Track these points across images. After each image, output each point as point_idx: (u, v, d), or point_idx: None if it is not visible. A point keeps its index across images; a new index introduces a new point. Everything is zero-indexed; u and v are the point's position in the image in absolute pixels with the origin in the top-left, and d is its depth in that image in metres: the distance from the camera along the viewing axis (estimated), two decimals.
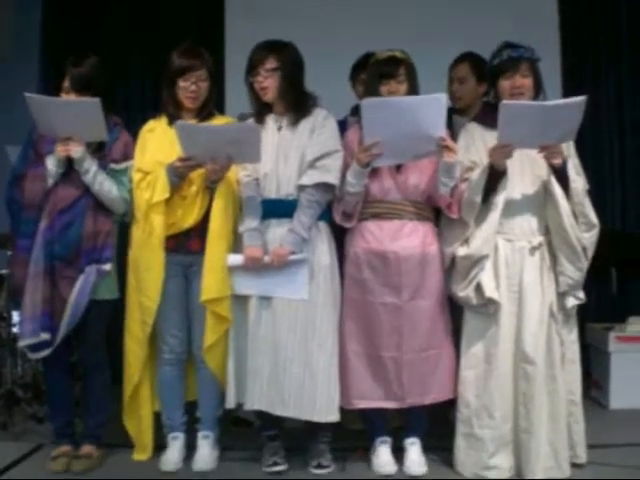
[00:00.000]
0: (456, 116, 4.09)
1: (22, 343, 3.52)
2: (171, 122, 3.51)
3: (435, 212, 3.54)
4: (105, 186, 3.49)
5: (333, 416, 3.41)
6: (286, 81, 3.46)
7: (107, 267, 3.52)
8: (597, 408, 4.55)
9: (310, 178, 3.40)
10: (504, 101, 3.20)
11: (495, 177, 3.30)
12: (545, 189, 3.34)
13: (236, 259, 3.43)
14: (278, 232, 3.43)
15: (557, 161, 3.27)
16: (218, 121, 3.62)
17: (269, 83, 3.46)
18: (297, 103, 3.50)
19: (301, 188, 3.42)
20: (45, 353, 3.47)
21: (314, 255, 3.44)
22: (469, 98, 4.17)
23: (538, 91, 3.39)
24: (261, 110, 3.56)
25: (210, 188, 3.47)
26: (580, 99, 3.13)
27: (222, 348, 3.50)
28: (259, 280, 3.43)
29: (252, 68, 3.48)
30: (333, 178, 3.40)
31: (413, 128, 3.24)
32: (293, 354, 3.39)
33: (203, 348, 3.49)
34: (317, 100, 3.55)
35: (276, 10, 5.36)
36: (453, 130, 3.63)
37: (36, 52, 5.49)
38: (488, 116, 3.38)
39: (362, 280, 3.46)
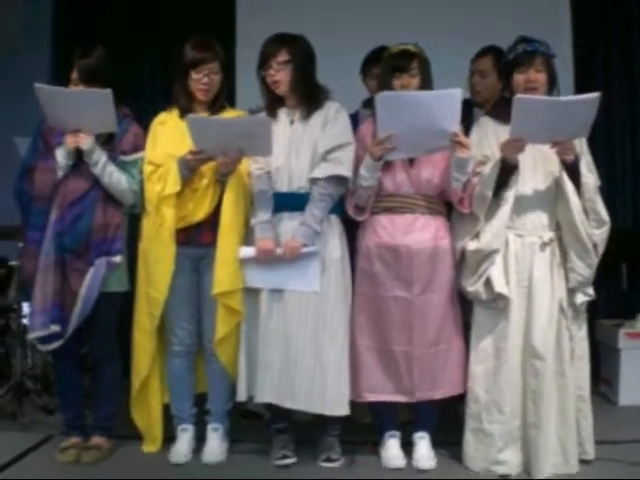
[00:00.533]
0: (477, 109, 4.08)
1: (32, 335, 3.52)
2: (183, 115, 3.51)
3: (447, 206, 3.54)
4: (114, 178, 3.49)
5: (343, 410, 3.41)
6: (298, 74, 3.46)
7: (117, 259, 3.53)
8: (606, 404, 4.54)
9: (322, 171, 3.40)
10: (518, 95, 3.19)
11: (507, 172, 3.29)
12: (557, 185, 3.34)
13: (248, 251, 3.43)
14: (290, 225, 3.44)
15: (569, 157, 3.26)
16: (229, 114, 3.62)
17: (281, 76, 3.46)
18: (309, 96, 3.50)
19: (313, 181, 3.42)
20: (55, 345, 3.49)
21: (325, 248, 3.44)
22: (489, 92, 4.13)
23: (552, 87, 3.38)
24: (273, 103, 3.56)
25: (221, 181, 3.47)
26: (594, 95, 3.12)
27: (233, 341, 3.50)
28: (271, 273, 3.43)
29: (264, 61, 3.48)
30: (345, 170, 3.40)
31: (427, 123, 3.24)
32: (304, 347, 3.39)
33: (214, 341, 3.49)
34: (329, 93, 3.55)
35: (287, 4, 5.35)
36: (471, 122, 3.61)
37: (47, 44, 5.50)
38: (501, 110, 3.38)
39: (373, 274, 3.46)
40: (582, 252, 3.33)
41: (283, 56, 3.46)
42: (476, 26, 5.16)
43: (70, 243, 3.47)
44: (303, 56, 3.50)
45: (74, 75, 3.53)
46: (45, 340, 3.50)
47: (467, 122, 3.52)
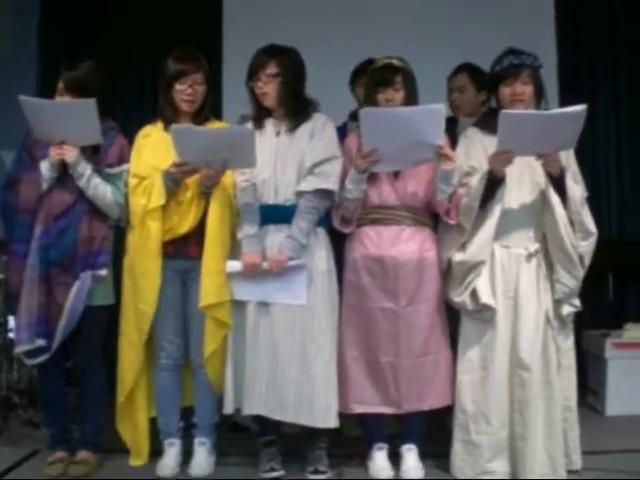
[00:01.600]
0: (465, 118, 4.12)
1: (18, 350, 3.51)
2: (167, 127, 3.49)
3: (434, 218, 3.55)
4: (100, 190, 3.48)
5: (331, 422, 3.40)
6: (286, 87, 3.46)
7: (103, 273, 3.51)
8: (593, 414, 4.56)
9: (309, 184, 3.40)
10: (503, 110, 3.20)
11: (494, 184, 3.30)
12: (542, 197, 3.35)
13: (235, 266, 3.43)
14: (276, 238, 3.43)
15: (554, 170, 3.28)
16: (213, 125, 3.62)
17: (269, 88, 3.46)
18: (297, 109, 3.49)
19: (300, 194, 3.42)
20: (42, 359, 3.47)
21: (312, 261, 3.44)
22: (469, 107, 4.23)
23: (539, 98, 3.40)
24: (260, 114, 3.55)
25: (206, 193, 3.47)
26: (580, 108, 3.13)
27: (220, 354, 3.49)
28: (258, 286, 3.42)
29: (253, 72, 3.48)
30: (332, 184, 3.40)
31: (411, 137, 3.25)
32: (291, 359, 3.38)
33: (204, 356, 3.47)
34: (317, 106, 3.55)
35: (274, 15, 5.38)
36: (456, 134, 3.62)
37: (33, 54, 5.49)
38: (488, 121, 3.39)
39: (361, 285, 3.46)
40: (568, 264, 3.34)
41: (272, 68, 3.45)
42: (462, 37, 5.21)
43: (56, 256, 3.45)
44: (292, 69, 3.49)
45: (60, 85, 3.53)
46: (31, 354, 3.48)
47: (451, 137, 3.54)
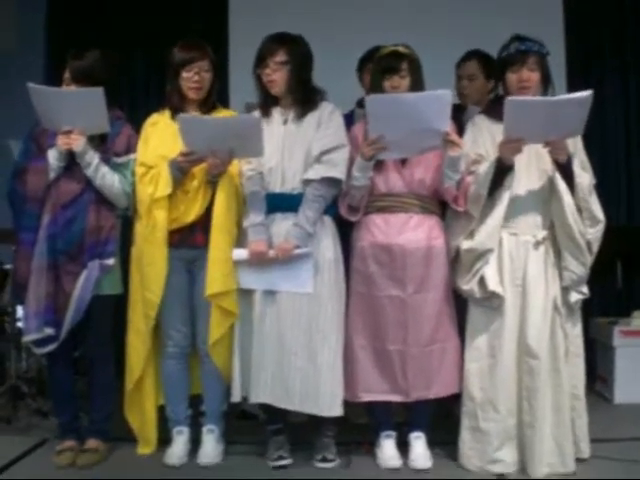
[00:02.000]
0: (472, 107, 4.09)
1: (27, 338, 3.53)
2: (174, 115, 3.50)
3: (442, 205, 3.54)
4: (107, 180, 3.48)
5: (337, 411, 3.41)
6: (294, 75, 3.46)
7: (110, 262, 3.52)
8: (601, 402, 4.55)
9: (316, 172, 3.39)
10: (509, 97, 3.19)
11: (502, 172, 3.29)
12: (550, 184, 3.33)
13: (241, 254, 3.43)
14: (283, 226, 3.43)
15: (561, 157, 3.26)
16: (221, 114, 3.62)
17: (277, 76, 3.46)
18: (304, 98, 3.49)
19: (307, 182, 3.41)
20: (50, 348, 3.48)
21: (319, 249, 3.44)
22: (478, 94, 4.19)
23: (546, 85, 3.38)
24: (267, 102, 3.55)
25: (212, 182, 3.47)
26: (586, 94, 3.11)
27: (227, 343, 3.50)
28: (264, 274, 3.42)
29: (261, 60, 3.47)
30: (339, 172, 3.40)
31: (418, 124, 3.24)
32: (297, 348, 3.39)
33: (208, 343, 3.48)
34: (324, 94, 3.55)
35: (281, 3, 5.35)
36: (462, 127, 3.60)
37: (41, 45, 5.49)
38: (496, 109, 3.35)
39: (368, 274, 3.46)
40: (575, 251, 3.33)
41: (281, 56, 3.45)
42: (468, 26, 5.18)
43: (63, 245, 3.46)
44: (301, 58, 3.49)
45: (66, 75, 3.53)
46: (40, 343, 3.50)
47: (458, 125, 3.52)
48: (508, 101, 3.14)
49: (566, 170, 3.28)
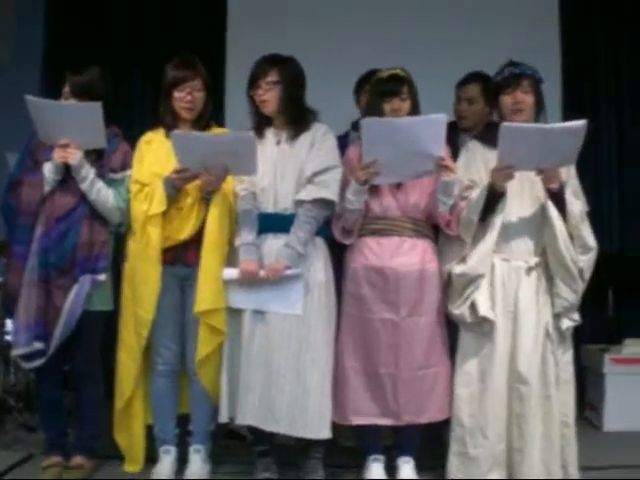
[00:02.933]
0: (464, 135, 4.08)
1: (16, 352, 3.50)
2: (168, 134, 3.49)
3: (434, 230, 3.54)
4: (102, 195, 3.48)
5: (325, 433, 3.39)
6: (286, 95, 3.47)
7: (102, 277, 3.51)
8: (591, 429, 4.55)
9: (308, 193, 3.40)
10: (504, 123, 3.21)
11: (494, 198, 3.30)
12: (543, 211, 3.34)
13: (231, 273, 3.42)
14: (274, 246, 3.42)
15: (554, 185, 3.28)
16: (215, 132, 3.62)
17: (269, 96, 3.46)
18: (297, 118, 3.50)
19: (299, 203, 3.41)
20: (38, 363, 3.46)
21: (309, 271, 3.43)
22: (476, 118, 4.16)
23: (539, 111, 3.40)
24: (261, 123, 3.56)
25: (206, 199, 3.47)
26: (581, 123, 3.14)
27: (215, 362, 3.48)
28: (254, 294, 3.41)
29: (253, 80, 3.48)
30: (331, 194, 3.40)
31: (412, 148, 3.25)
32: (286, 370, 3.37)
33: (196, 360, 3.47)
34: (317, 115, 3.56)
35: (278, 24, 5.39)
36: (457, 147, 3.61)
37: (37, 59, 5.50)
38: (490, 135, 3.37)
39: (361, 296, 3.45)
40: (567, 278, 3.33)
41: (272, 77, 3.46)
42: (463, 49, 5.20)
43: (55, 259, 3.45)
44: (293, 78, 3.50)
45: (66, 89, 3.53)
46: (28, 357, 3.48)
47: (453, 145, 3.53)
48: (503, 126, 3.16)
49: (558, 198, 3.29)
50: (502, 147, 3.18)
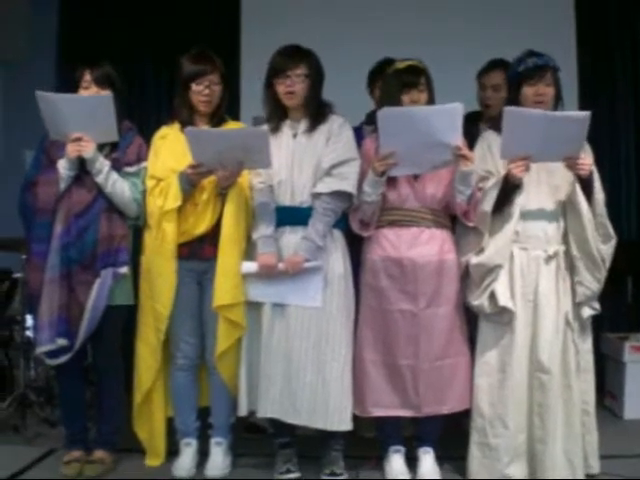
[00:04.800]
0: (483, 126, 4.03)
1: (39, 350, 3.50)
2: (183, 128, 3.48)
3: (452, 220, 3.53)
4: (117, 187, 3.49)
5: (345, 425, 3.40)
6: (312, 89, 3.47)
7: (123, 270, 3.52)
8: (611, 418, 4.51)
9: (327, 186, 3.40)
10: (507, 107, 3.20)
11: (510, 189, 3.28)
12: (568, 199, 3.32)
13: (250, 267, 3.42)
14: (292, 239, 3.43)
15: (584, 172, 3.25)
16: (229, 126, 3.62)
17: (298, 88, 3.45)
18: (317, 111, 3.50)
19: (317, 196, 3.41)
20: (63, 359, 3.47)
21: (328, 263, 3.43)
22: (499, 107, 4.08)
23: (557, 101, 3.39)
24: (276, 115, 3.55)
25: (222, 194, 3.47)
26: (584, 114, 3.13)
27: (234, 355, 3.49)
28: (273, 287, 3.42)
29: (282, 71, 3.45)
30: (350, 186, 3.39)
31: (429, 138, 3.23)
32: (306, 362, 3.38)
33: (215, 355, 3.48)
34: (333, 107, 3.55)
35: (292, 16, 5.35)
36: (475, 137, 3.59)
37: (52, 55, 5.50)
38: None
39: (379, 288, 3.45)
40: (592, 266, 3.32)
41: (303, 69, 3.45)
42: (479, 40, 5.15)
43: (77, 255, 3.45)
44: (318, 71, 3.51)
45: (87, 77, 3.52)
46: (52, 354, 3.48)
47: (470, 137, 3.50)
48: (507, 111, 3.16)
49: (587, 185, 3.28)
50: (506, 132, 3.17)
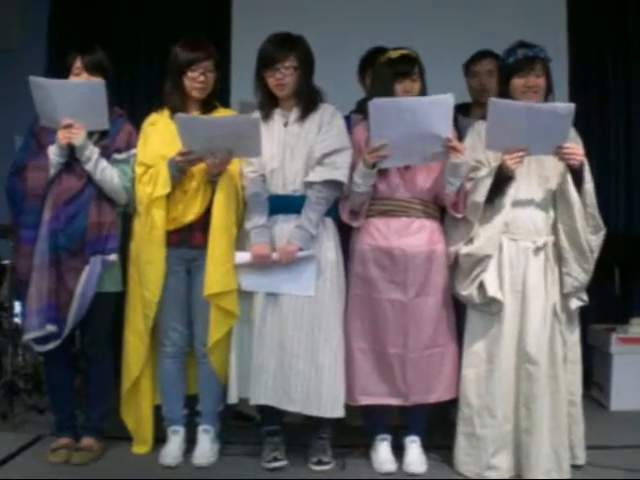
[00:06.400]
0: (460, 116, 4.04)
1: (28, 336, 3.48)
2: (173, 115, 3.47)
3: (441, 211, 3.53)
4: (107, 175, 3.47)
5: (338, 412, 3.41)
6: (303, 78, 3.46)
7: (112, 257, 3.50)
8: (598, 409, 4.55)
9: (319, 175, 3.39)
10: (492, 98, 3.21)
11: (502, 180, 3.29)
12: (559, 189, 3.33)
13: (243, 257, 3.42)
14: (285, 228, 3.43)
15: (574, 162, 3.25)
16: (220, 114, 3.61)
17: (288, 80, 3.44)
18: (309, 99, 3.49)
19: (309, 185, 3.41)
20: (52, 346, 3.46)
21: (320, 251, 3.44)
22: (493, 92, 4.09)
23: (548, 92, 3.39)
24: (268, 104, 3.54)
25: (212, 182, 3.46)
26: (568, 106, 3.14)
27: (225, 344, 3.49)
28: (266, 277, 3.42)
29: (271, 63, 3.44)
30: (342, 175, 3.39)
31: (420, 129, 3.23)
32: (299, 350, 3.39)
33: (208, 344, 3.48)
34: (324, 96, 3.54)
35: (283, 2, 5.35)
36: (459, 130, 3.60)
37: (43, 42, 5.49)
38: None
39: (368, 277, 3.45)
40: (580, 257, 3.33)
41: (292, 61, 3.43)
42: (470, 30, 5.17)
43: (65, 242, 3.44)
44: (308, 61, 3.50)
45: (77, 64, 3.50)
46: (41, 341, 3.47)
47: (459, 129, 3.51)
48: (491, 101, 3.17)
49: (577, 176, 3.28)
50: (490, 122, 3.18)
